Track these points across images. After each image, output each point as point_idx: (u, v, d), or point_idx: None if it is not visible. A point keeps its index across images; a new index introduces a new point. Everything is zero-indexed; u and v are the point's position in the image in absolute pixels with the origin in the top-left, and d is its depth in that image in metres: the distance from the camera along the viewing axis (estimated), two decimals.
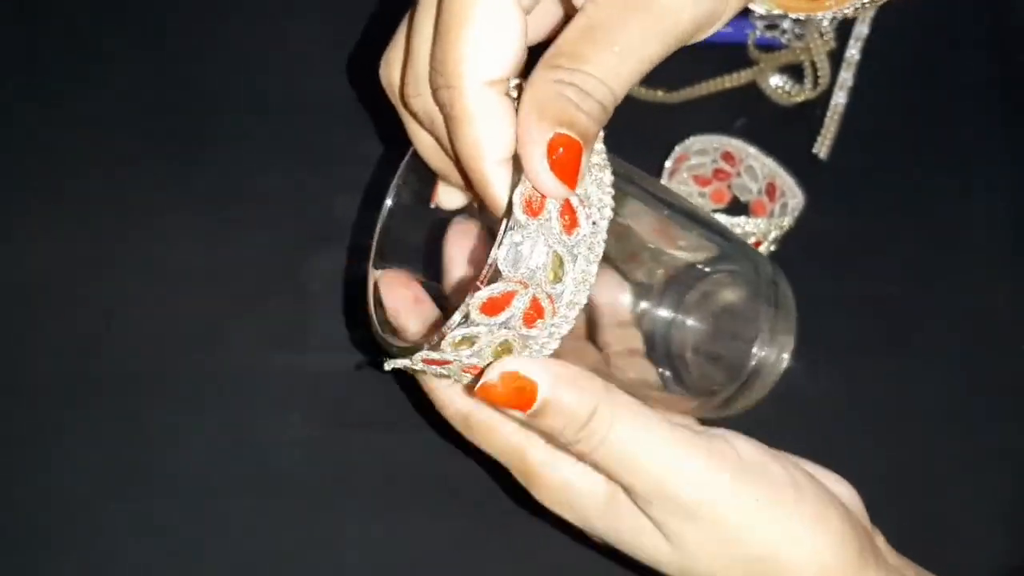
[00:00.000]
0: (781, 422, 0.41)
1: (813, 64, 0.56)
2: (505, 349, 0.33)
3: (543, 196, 0.31)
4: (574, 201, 0.31)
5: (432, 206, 0.39)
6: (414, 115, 0.35)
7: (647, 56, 0.32)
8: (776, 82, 0.57)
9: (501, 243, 0.30)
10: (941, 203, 0.55)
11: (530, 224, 0.31)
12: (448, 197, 0.39)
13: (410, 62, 0.34)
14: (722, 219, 0.49)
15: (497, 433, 0.37)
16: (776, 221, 0.50)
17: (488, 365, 0.33)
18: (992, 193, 0.55)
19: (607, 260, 0.33)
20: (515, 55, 0.32)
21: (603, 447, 0.34)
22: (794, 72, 0.57)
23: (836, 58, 0.56)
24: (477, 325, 0.31)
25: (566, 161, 0.30)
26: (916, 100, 0.57)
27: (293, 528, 0.46)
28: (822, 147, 0.55)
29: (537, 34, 0.35)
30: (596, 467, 0.35)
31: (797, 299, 0.40)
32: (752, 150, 0.53)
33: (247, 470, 0.47)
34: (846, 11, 0.53)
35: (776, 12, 0.53)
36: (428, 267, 0.40)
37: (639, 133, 0.48)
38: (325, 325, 0.50)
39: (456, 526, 0.47)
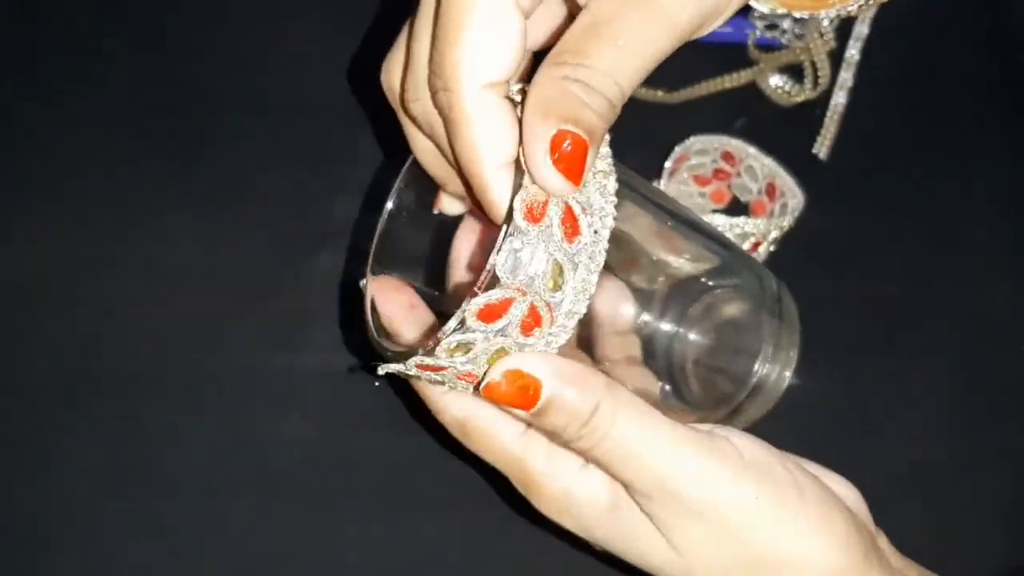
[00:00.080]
0: (781, 422, 0.41)
1: (813, 64, 0.56)
2: (501, 357, 0.32)
3: (545, 202, 0.30)
4: (576, 208, 0.31)
5: (435, 212, 0.39)
6: (414, 120, 0.35)
7: (652, 51, 0.31)
8: (776, 82, 0.57)
9: (500, 249, 0.30)
10: (941, 203, 0.55)
11: (530, 230, 0.30)
12: (450, 204, 0.39)
13: (410, 67, 0.34)
14: (722, 219, 0.49)
15: (495, 441, 0.37)
16: (776, 221, 0.50)
17: (485, 371, 0.32)
18: (992, 193, 0.55)
19: (607, 268, 0.32)
20: (514, 57, 0.31)
21: (605, 443, 0.34)
22: (794, 72, 0.57)
23: (836, 58, 0.56)
24: (473, 332, 0.31)
25: (571, 158, 0.30)
26: (916, 100, 0.57)
27: (293, 528, 0.46)
28: (822, 147, 0.55)
29: (542, 38, 0.35)
30: (597, 464, 0.35)
31: (797, 299, 0.40)
32: (752, 150, 0.53)
33: (247, 470, 0.47)
34: (849, 8, 0.53)
35: (779, 11, 0.53)
36: (426, 273, 0.40)
37: (639, 133, 0.48)
38: (325, 325, 0.50)
39: (456, 526, 0.47)
